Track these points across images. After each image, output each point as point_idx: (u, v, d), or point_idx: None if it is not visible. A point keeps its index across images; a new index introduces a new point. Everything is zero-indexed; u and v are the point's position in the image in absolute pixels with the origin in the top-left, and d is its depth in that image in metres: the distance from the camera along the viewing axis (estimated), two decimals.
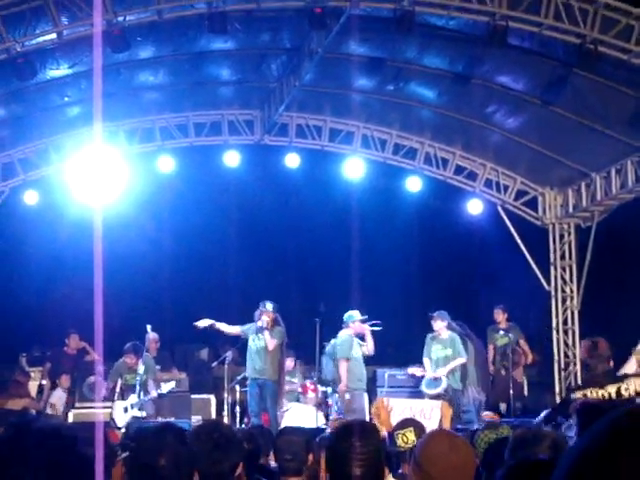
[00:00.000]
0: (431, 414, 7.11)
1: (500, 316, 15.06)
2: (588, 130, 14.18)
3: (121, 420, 13.15)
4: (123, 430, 12.89)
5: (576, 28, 11.39)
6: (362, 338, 13.38)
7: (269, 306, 13.19)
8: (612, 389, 7.56)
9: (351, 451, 3.51)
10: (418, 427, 5.79)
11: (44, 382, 14.14)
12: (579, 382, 14.58)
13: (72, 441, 2.05)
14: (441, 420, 6.84)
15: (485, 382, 14.02)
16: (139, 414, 13.13)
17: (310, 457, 5.07)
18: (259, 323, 12.98)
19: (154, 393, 13.29)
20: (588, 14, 11.40)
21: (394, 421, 6.91)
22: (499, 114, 14.96)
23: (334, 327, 14.29)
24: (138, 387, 13.19)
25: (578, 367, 15.88)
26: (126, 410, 13.25)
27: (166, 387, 13.52)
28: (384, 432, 6.65)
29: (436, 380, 13.34)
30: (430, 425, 7.04)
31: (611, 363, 8.24)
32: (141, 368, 13.30)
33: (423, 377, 13.67)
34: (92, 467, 2.06)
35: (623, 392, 7.55)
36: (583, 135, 14.39)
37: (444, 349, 13.49)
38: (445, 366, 13.29)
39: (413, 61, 13.97)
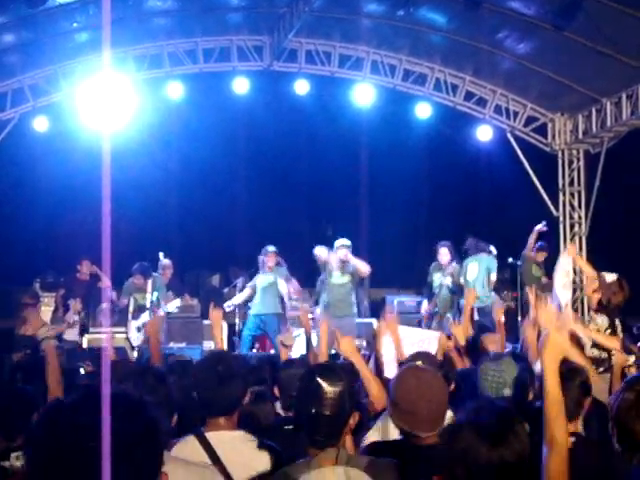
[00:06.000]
0: (428, 346, 7.15)
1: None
2: (600, 55, 14.05)
3: (135, 339, 13.41)
4: (136, 353, 13.14)
5: None
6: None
7: (271, 249, 13.72)
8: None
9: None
10: (428, 359, 5.85)
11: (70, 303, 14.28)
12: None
13: (139, 406, 2.05)
14: (437, 351, 6.88)
15: None
16: None
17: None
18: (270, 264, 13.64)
19: (160, 312, 13.46)
20: None
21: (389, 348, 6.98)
22: (510, 39, 14.82)
23: None
24: (149, 306, 13.40)
25: (584, 292, 15.98)
26: (139, 329, 13.47)
27: (171, 306, 13.67)
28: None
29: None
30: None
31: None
32: (150, 287, 13.48)
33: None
34: (162, 433, 2.06)
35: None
36: (594, 60, 14.26)
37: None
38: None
39: None
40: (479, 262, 13.36)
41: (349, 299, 13.33)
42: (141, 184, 16.30)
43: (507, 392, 4.94)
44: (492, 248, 13.72)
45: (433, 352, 6.72)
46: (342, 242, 13.21)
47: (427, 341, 7.34)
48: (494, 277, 13.47)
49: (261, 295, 13.62)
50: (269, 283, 13.64)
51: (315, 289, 14.04)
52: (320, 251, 13.40)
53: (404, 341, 7.16)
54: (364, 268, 13.31)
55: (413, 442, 3.83)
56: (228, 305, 14.02)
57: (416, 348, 6.97)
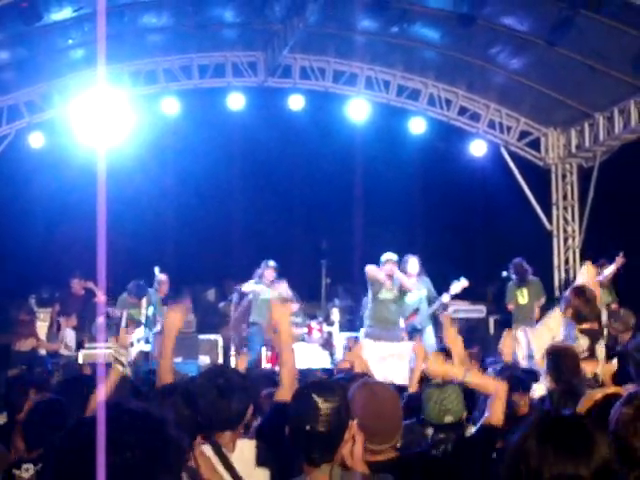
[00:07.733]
0: (405, 356, 7.20)
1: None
2: (592, 71, 14.16)
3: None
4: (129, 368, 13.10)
5: None
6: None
7: (271, 263, 13.91)
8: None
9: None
10: None
11: (60, 320, 14.29)
12: None
13: (160, 424, 2.06)
14: (416, 361, 6.92)
15: None
16: (145, 348, 13.36)
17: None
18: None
19: (158, 327, 13.49)
20: None
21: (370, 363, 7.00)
22: (503, 55, 14.90)
23: (338, 266, 14.49)
24: (144, 321, 13.41)
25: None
26: (132, 345, 13.47)
27: None
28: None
29: None
30: (406, 366, 7.14)
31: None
32: (144, 304, 13.51)
33: None
34: (182, 450, 2.07)
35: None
36: (587, 75, 14.36)
37: None
38: None
39: (417, 2, 13.89)
40: (528, 289, 14.10)
41: (398, 314, 12.76)
42: (136, 198, 16.33)
43: (449, 419, 4.94)
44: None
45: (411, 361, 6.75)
46: (388, 256, 12.59)
47: (404, 352, 7.38)
48: (541, 302, 14.16)
49: (265, 305, 13.47)
50: (273, 296, 13.60)
51: (361, 311, 13.73)
52: (370, 268, 12.87)
53: (382, 354, 7.22)
54: (408, 284, 12.81)
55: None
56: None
57: (396, 359, 7.03)
